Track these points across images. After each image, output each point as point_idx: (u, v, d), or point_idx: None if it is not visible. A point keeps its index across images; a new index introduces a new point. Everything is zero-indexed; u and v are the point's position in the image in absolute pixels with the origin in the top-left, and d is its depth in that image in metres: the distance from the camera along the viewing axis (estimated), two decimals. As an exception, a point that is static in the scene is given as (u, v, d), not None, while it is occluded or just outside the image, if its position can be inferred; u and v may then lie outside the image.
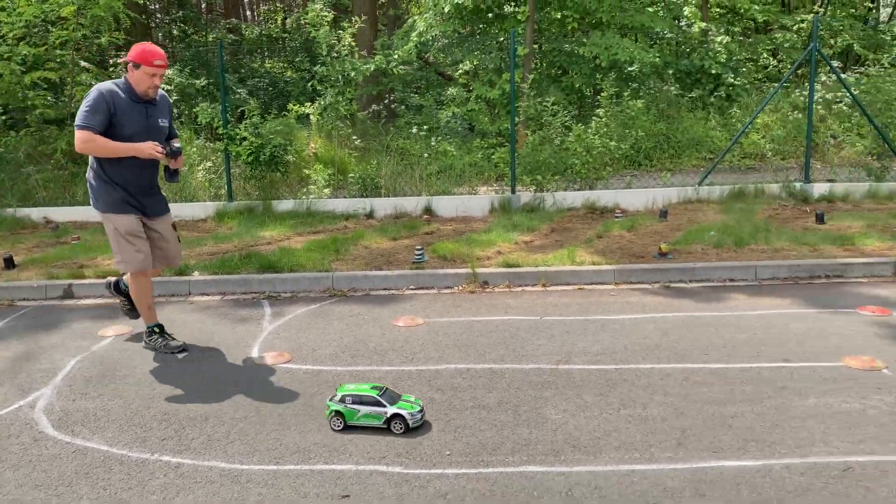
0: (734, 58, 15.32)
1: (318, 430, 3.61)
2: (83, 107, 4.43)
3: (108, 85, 4.52)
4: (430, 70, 17.26)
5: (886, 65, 13.61)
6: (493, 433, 3.52)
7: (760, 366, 4.30)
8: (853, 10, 17.59)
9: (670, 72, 14.98)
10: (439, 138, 12.15)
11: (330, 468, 3.24)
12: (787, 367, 4.27)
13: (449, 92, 13.89)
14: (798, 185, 9.47)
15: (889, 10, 23.72)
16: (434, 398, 3.94)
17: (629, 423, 3.59)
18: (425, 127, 12.23)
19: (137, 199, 4.70)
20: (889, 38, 16.89)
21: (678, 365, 4.35)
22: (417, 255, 6.72)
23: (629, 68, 14.23)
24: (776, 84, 14.35)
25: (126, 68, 4.54)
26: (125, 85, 4.54)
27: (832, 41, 16.71)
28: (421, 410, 3.61)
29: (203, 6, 24.04)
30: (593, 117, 10.02)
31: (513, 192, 9.40)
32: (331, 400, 3.66)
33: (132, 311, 5.19)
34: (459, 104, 13.43)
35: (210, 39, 20.65)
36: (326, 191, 9.78)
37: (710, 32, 16.12)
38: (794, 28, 16.64)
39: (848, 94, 10.64)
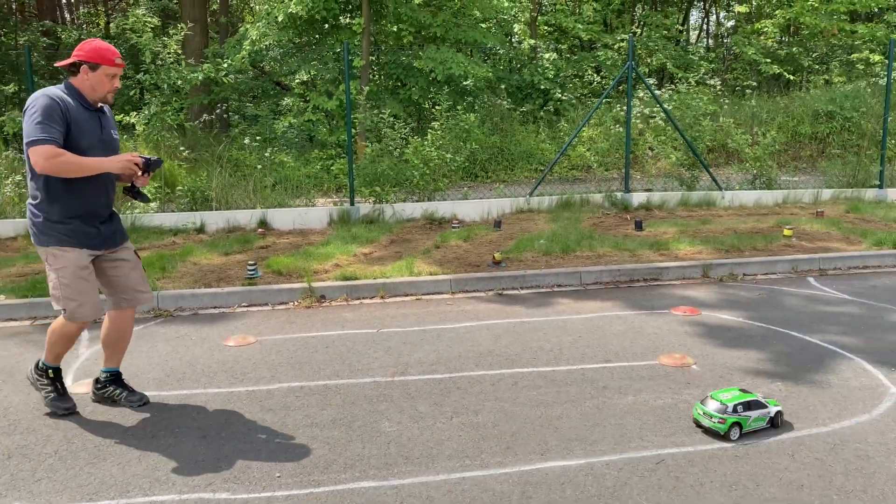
0: (561, 74, 16.14)
1: (139, 460, 3.38)
2: (33, 118, 3.56)
3: (55, 91, 3.69)
4: (267, 80, 16.88)
5: (693, 83, 14.82)
6: (325, 451, 3.45)
7: (584, 367, 4.51)
8: (666, 32, 19.02)
9: (503, 86, 15.54)
10: (275, 149, 11.90)
11: (150, 500, 3.04)
12: (608, 367, 4.50)
13: (286, 102, 13.65)
14: (619, 194, 10.08)
15: (696, 32, 25.93)
16: (265, 419, 3.82)
17: (462, 431, 3.64)
18: (259, 138, 11.91)
19: (98, 227, 3.83)
20: (697, 58, 18.42)
21: (509, 370, 4.47)
22: (250, 270, 6.51)
23: (464, 82, 14.61)
24: (599, 99, 15.29)
25: (74, 71, 3.74)
26: (73, 91, 3.74)
27: (649, 60, 18.01)
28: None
29: (14, 6, 22.20)
30: (429, 130, 10.18)
31: (352, 203, 9.35)
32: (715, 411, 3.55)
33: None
34: (297, 115, 13.23)
35: (20, 42, 19.08)
36: (153, 205, 9.28)
37: (538, 49, 16.89)
38: (615, 47, 17.77)
39: (661, 110, 11.45)
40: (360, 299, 6.27)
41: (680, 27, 21.63)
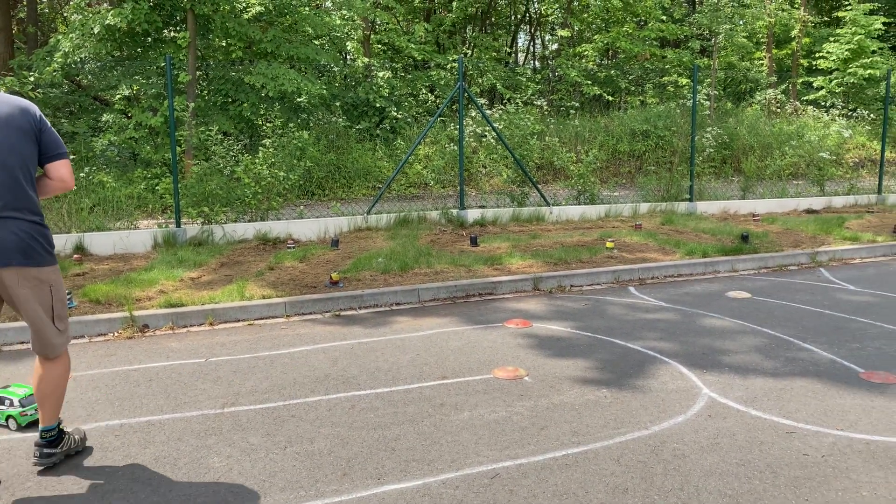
0: (396, 92, 16.29)
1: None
2: (54, 132, 3.39)
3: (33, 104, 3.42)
4: (84, 95, 15.78)
5: (521, 103, 15.46)
6: (146, 494, 3.21)
7: (422, 385, 4.51)
8: (495, 54, 19.73)
9: (338, 104, 15.45)
10: (94, 168, 11.12)
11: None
12: (445, 384, 4.53)
13: (105, 118, 12.82)
14: (455, 211, 10.27)
15: (524, 54, 27.10)
16: (78, 464, 3.49)
17: (296, 461, 3.51)
18: (73, 156, 11.08)
19: None
20: (524, 79, 19.24)
21: (346, 393, 4.39)
22: (64, 300, 5.99)
23: (298, 99, 14.38)
24: (433, 118, 15.56)
25: None
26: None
27: (480, 80, 18.59)
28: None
29: None
30: (261, 147, 9.90)
31: (178, 225, 8.89)
32: None
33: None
34: (118, 132, 12.45)
35: None
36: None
37: (373, 67, 16.95)
38: (448, 67, 18.21)
39: (492, 129, 11.81)
40: (187, 327, 5.94)
41: (508, 49, 22.53)
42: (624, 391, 4.41)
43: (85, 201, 9.40)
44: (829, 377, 4.63)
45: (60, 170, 3.38)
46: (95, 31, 12.28)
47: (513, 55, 26.63)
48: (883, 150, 13.61)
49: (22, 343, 5.52)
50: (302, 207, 10.97)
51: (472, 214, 10.31)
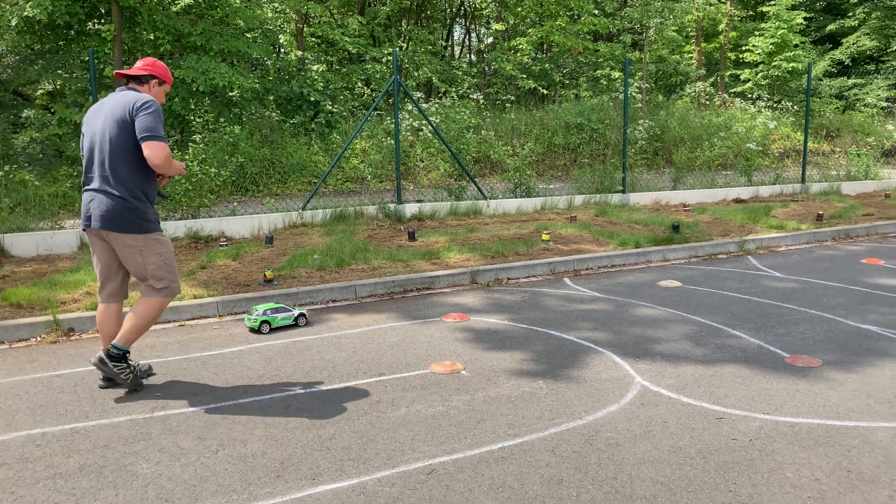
0: (331, 86, 16.10)
1: None
2: (152, 117, 4.06)
3: (150, 97, 4.16)
4: (3, 89, 15.14)
5: (455, 97, 15.47)
6: (70, 505, 3.09)
7: (358, 382, 4.47)
8: (431, 47, 19.69)
9: (271, 98, 15.19)
10: (15, 167, 10.69)
11: None
12: (382, 381, 4.49)
13: (26, 114, 12.33)
14: (392, 206, 10.22)
15: (460, 47, 27.13)
16: (-4, 476, 3.35)
17: (228, 464, 3.43)
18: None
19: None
20: (460, 72, 19.27)
21: (280, 393, 4.31)
22: (-18, 304, 5.75)
23: (230, 93, 14.09)
24: (368, 112, 15.46)
25: (139, 81, 4.29)
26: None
27: (416, 74, 18.53)
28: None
29: None
30: (191, 143, 9.66)
31: (106, 224, 8.59)
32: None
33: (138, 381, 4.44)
34: (40, 128, 11.99)
35: None
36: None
37: (307, 61, 16.72)
38: (383, 60, 18.09)
39: (427, 123, 11.78)
40: (116, 329, 5.75)
41: (444, 43, 22.52)
42: (559, 382, 4.45)
43: (5, 201, 9.01)
44: (756, 363, 4.77)
45: (145, 150, 4.05)
46: (13, 23, 11.79)
47: (449, 49, 26.64)
48: (806, 141, 14.10)
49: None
50: (235, 204, 10.76)
51: (410, 209, 10.27)
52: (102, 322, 4.41)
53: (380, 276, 7.01)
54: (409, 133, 13.72)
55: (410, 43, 19.86)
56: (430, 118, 13.22)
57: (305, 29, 18.00)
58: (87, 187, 4.24)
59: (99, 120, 4.18)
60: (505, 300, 6.56)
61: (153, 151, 4.04)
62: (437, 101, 15.13)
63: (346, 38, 16.82)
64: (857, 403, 4.06)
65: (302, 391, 4.35)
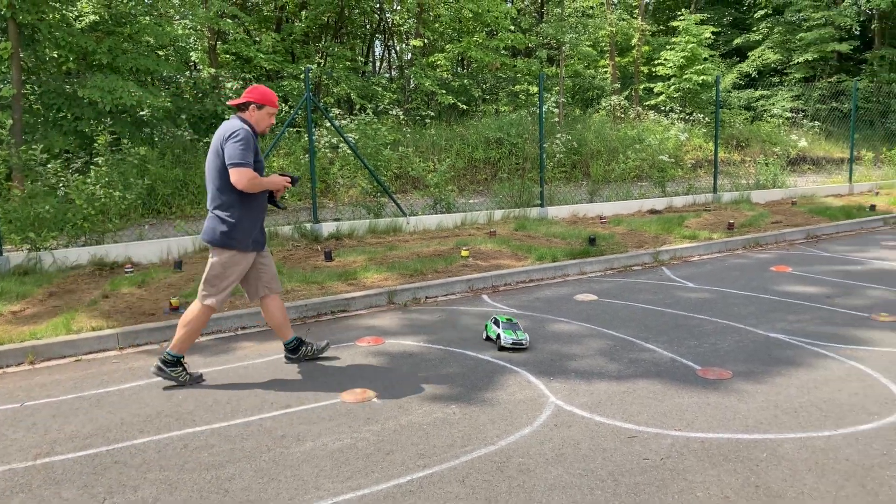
0: (246, 104, 15.73)
1: None
2: (238, 144, 4.52)
3: (243, 124, 4.64)
4: None
5: (371, 113, 15.32)
6: (-69, 573, 2.80)
7: (264, 416, 4.27)
8: (349, 63, 19.52)
9: (184, 116, 14.74)
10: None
11: None
12: (289, 413, 4.30)
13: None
14: (309, 225, 9.99)
15: (380, 63, 27.04)
16: None
17: (115, 515, 3.19)
18: None
19: (261, 233, 4.94)
20: (380, 88, 19.16)
21: (179, 432, 4.07)
22: None
23: (140, 112, 13.61)
24: (290, 129, 15.16)
25: (242, 109, 4.74)
26: (247, 123, 4.69)
27: (335, 90, 18.33)
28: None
29: None
30: (93, 166, 9.21)
31: (0, 253, 8.11)
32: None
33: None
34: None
35: None
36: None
37: (221, 78, 16.33)
38: (301, 77, 17.80)
39: (343, 140, 11.60)
40: (3, 368, 5.37)
41: (363, 59, 22.39)
42: (473, 405, 4.35)
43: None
44: (669, 377, 4.78)
45: (231, 176, 4.57)
46: None
47: (370, 65, 26.53)
48: (716, 151, 14.51)
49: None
50: (146, 227, 10.34)
51: (327, 228, 10.06)
52: (269, 317, 5.11)
53: (293, 300, 6.79)
54: (327, 150, 13.50)
55: (329, 59, 19.64)
56: (349, 135, 13.05)
57: (219, 46, 17.61)
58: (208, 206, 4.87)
59: (210, 148, 4.76)
60: (422, 320, 6.43)
61: (234, 178, 4.55)
62: (352, 116, 14.96)
63: (262, 55, 16.49)
64: (766, 415, 4.09)
65: (202, 428, 4.12)
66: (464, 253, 8.58)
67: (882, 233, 11.18)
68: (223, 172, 4.62)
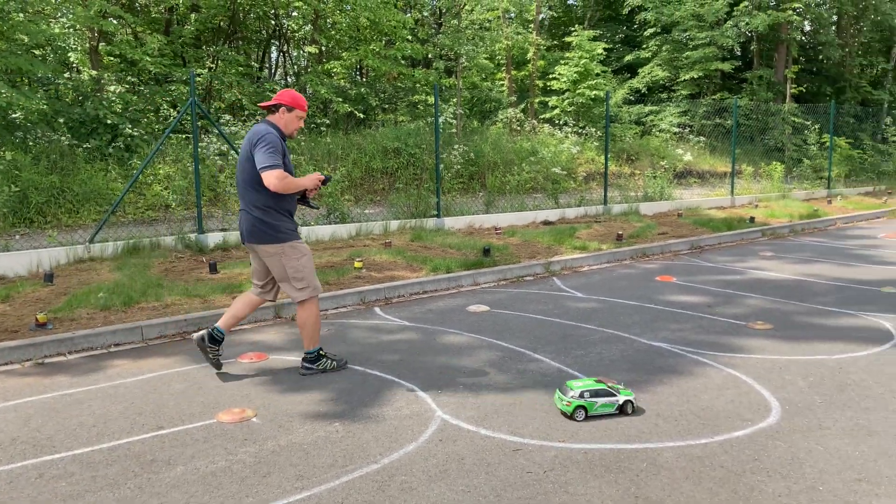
0: (131, 108, 15.05)
1: None
2: (265, 148, 4.69)
3: (270, 128, 4.84)
4: None
5: (259, 120, 14.92)
6: None
7: (132, 440, 3.99)
8: (242, 69, 19.00)
9: (61, 120, 13.93)
10: None
11: None
12: (160, 436, 4.04)
13: None
14: (193, 236, 9.58)
15: (275, 69, 26.51)
16: None
17: (-49, 558, 2.87)
18: None
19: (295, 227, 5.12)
20: (274, 95, 18.73)
21: (34, 460, 3.74)
22: None
23: (13, 115, 12.76)
24: (181, 135, 14.57)
25: (272, 111, 4.96)
26: (274, 126, 4.90)
27: (226, 95, 17.79)
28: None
29: None
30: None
31: None
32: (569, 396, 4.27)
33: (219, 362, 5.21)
34: None
35: None
36: None
37: (103, 81, 15.54)
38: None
39: (230, 147, 11.22)
40: None
41: (256, 64, 21.88)
42: (357, 423, 4.21)
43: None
44: (555, 387, 4.77)
45: (263, 180, 4.74)
46: None
47: (265, 70, 25.94)
48: (606, 164, 14.93)
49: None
50: (16, 238, 9.66)
51: (214, 238, 9.68)
52: (238, 301, 5.24)
53: (172, 315, 6.45)
54: (217, 157, 13.05)
55: (221, 63, 19.05)
56: (239, 141, 12.64)
57: (103, 47, 16.77)
58: (240, 209, 5.07)
59: (241, 152, 4.96)
60: (309, 334, 6.23)
61: (267, 181, 4.72)
62: (241, 122, 14.53)
63: (148, 58, 15.79)
64: (647, 424, 4.14)
65: (62, 455, 3.80)
66: (357, 264, 8.42)
67: (760, 243, 11.75)
68: (256, 176, 4.80)
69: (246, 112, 16.76)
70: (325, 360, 5.16)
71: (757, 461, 3.65)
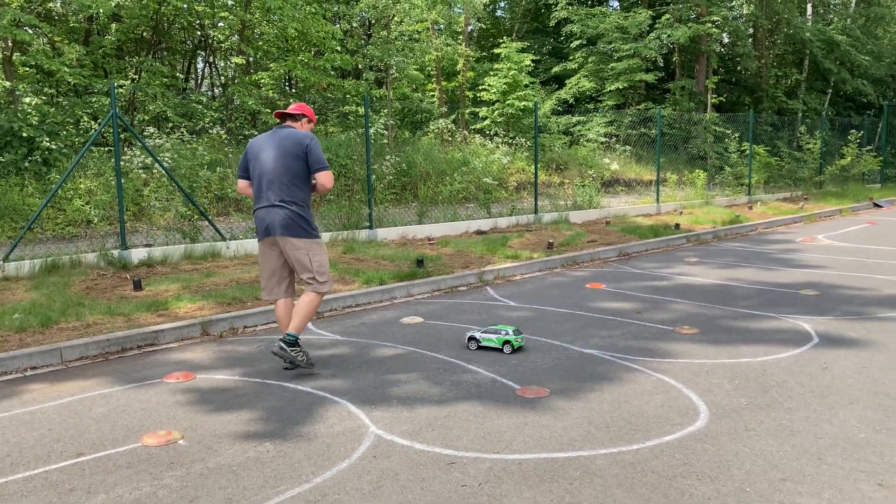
0: (49, 120, 14.50)
1: None
2: (319, 150, 5.38)
3: (310, 133, 5.51)
4: None
5: (185, 132, 14.59)
6: None
7: (50, 468, 3.80)
8: (166, 80, 18.55)
9: (-27, 133, 13.32)
10: None
11: None
12: (80, 463, 3.86)
13: None
14: (116, 252, 9.26)
15: (202, 80, 25.99)
16: None
17: None
18: None
19: None
20: (200, 106, 18.35)
21: (-59, 495, 3.53)
22: None
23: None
24: (103, 148, 14.09)
25: (293, 119, 5.58)
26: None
27: (150, 107, 17.32)
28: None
29: None
30: None
31: None
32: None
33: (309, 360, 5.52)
34: None
35: None
36: None
37: (17, 92, 14.93)
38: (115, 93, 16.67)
39: (154, 160, 10.90)
40: None
41: (181, 75, 21.39)
42: (288, 442, 4.12)
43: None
44: (489, 398, 4.78)
45: (319, 177, 5.37)
46: None
47: (191, 81, 25.40)
48: (536, 174, 15.12)
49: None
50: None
51: (138, 254, 9.37)
52: (281, 315, 5.55)
53: (93, 335, 6.20)
54: (140, 171, 12.66)
55: (145, 75, 18.55)
56: (164, 154, 12.32)
57: (17, 57, 16.12)
58: (261, 205, 5.39)
59: (269, 153, 5.36)
60: (238, 352, 6.09)
61: (327, 179, 5.37)
62: (165, 134, 14.15)
63: (66, 69, 15.24)
64: (580, 432, 4.18)
65: (-28, 488, 3.60)
66: (287, 278, 8.27)
67: (685, 249, 12.07)
68: (301, 173, 5.35)
69: (171, 124, 16.34)
70: (300, 350, 5.37)
71: (687, 465, 3.72)
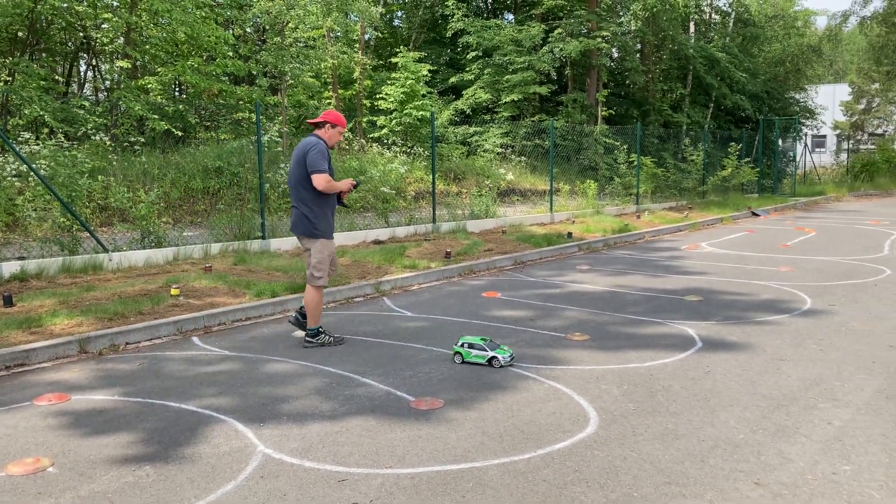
0: None
1: None
2: (317, 156, 6.00)
3: (318, 140, 6.17)
4: None
5: (62, 138, 13.83)
6: None
7: None
8: (44, 83, 17.55)
9: None
10: None
11: None
12: (-67, 498, 3.53)
13: None
14: (-16, 266, 8.64)
15: (85, 84, 24.78)
16: None
17: None
18: None
19: (334, 225, 6.38)
20: (82, 111, 17.44)
21: None
22: None
23: None
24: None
25: (318, 127, 6.27)
26: (321, 139, 6.20)
27: (26, 111, 16.33)
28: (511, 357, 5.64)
29: None
30: None
31: None
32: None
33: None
34: None
35: None
36: None
37: None
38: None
39: (28, 168, 10.24)
40: None
41: (62, 78, 20.31)
42: (170, 464, 3.91)
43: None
44: (383, 411, 4.71)
45: (312, 180, 6.03)
46: None
47: (72, 85, 24.16)
48: (434, 183, 15.16)
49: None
50: None
51: (10, 267, 8.76)
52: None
53: (-45, 356, 5.74)
54: (14, 179, 11.87)
55: (19, 77, 17.46)
56: (41, 161, 11.60)
57: None
58: (291, 205, 6.31)
59: (292, 159, 6.21)
60: (119, 370, 5.76)
61: (315, 182, 6.01)
62: (45, 141, 13.35)
63: (-71, 69, 14.16)
64: (473, 443, 4.16)
65: None
66: (174, 291, 7.93)
67: (577, 257, 12.37)
68: (305, 177, 6.05)
69: (48, 129, 15.45)
70: (323, 335, 6.29)
71: (577, 472, 3.76)
